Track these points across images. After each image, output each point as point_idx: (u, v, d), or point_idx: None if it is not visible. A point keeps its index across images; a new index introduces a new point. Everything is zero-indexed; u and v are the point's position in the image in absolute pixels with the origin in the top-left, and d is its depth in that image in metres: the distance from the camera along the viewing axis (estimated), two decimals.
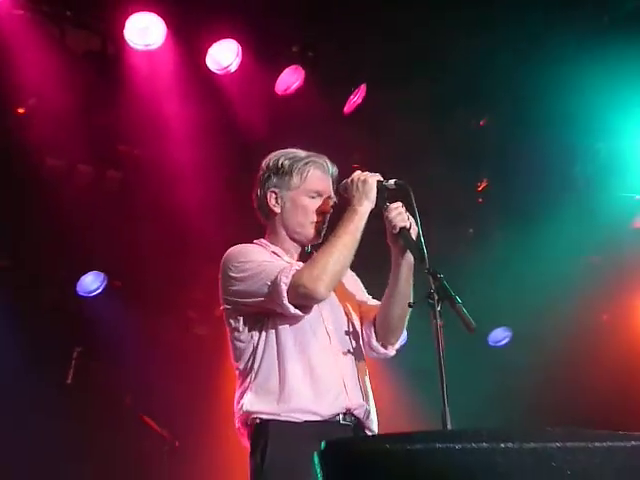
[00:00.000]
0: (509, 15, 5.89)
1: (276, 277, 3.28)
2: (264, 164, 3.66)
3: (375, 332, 3.60)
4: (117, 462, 6.89)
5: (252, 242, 3.64)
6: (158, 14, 5.67)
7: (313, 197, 3.56)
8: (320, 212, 3.54)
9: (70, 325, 7.39)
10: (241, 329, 3.46)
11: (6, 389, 6.74)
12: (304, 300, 3.30)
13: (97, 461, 6.87)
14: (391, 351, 3.66)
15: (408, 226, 3.36)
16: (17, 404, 6.84)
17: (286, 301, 3.26)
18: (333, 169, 3.63)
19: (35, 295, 7.32)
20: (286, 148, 3.69)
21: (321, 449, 2.05)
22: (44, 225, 6.80)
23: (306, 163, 3.59)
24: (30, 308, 7.21)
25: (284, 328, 3.38)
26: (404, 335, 3.65)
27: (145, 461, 6.79)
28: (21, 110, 6.18)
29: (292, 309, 3.28)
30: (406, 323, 3.52)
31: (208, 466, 6.90)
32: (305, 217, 3.55)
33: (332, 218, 3.58)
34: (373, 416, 3.44)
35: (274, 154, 3.66)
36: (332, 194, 3.59)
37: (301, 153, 3.65)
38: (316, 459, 2.02)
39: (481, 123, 6.95)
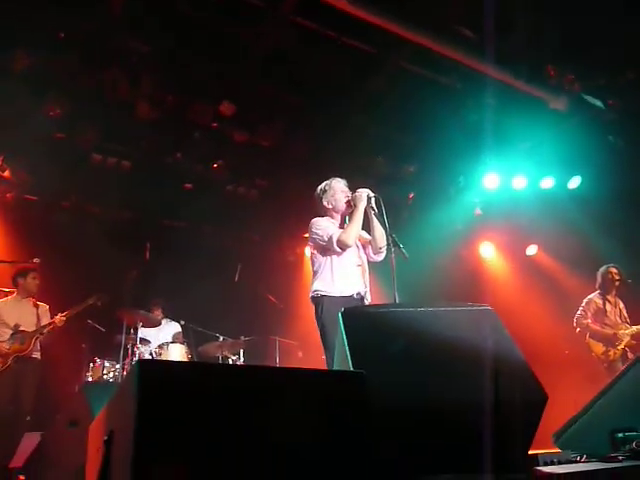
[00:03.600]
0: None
1: (331, 235, 3.34)
2: (316, 193, 3.61)
3: (371, 248, 3.53)
4: (253, 315, 6.33)
5: (321, 217, 3.58)
6: None
7: (341, 193, 3.54)
8: (345, 197, 3.52)
9: (235, 256, 7.08)
10: (315, 252, 3.48)
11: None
12: (343, 246, 3.33)
13: (246, 312, 6.34)
14: (380, 257, 3.51)
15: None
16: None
17: (335, 246, 3.32)
18: (344, 181, 3.60)
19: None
20: None
21: (342, 311, 2.12)
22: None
23: (333, 181, 3.59)
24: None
25: (334, 253, 3.38)
26: (384, 254, 3.45)
27: (265, 314, 6.48)
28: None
29: (338, 249, 3.33)
30: (384, 242, 3.32)
31: (296, 319, 6.16)
32: (342, 203, 3.52)
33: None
34: (368, 295, 3.42)
35: (318, 187, 3.61)
36: (348, 192, 3.55)
37: (327, 180, 3.61)
38: (339, 316, 2.08)
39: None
